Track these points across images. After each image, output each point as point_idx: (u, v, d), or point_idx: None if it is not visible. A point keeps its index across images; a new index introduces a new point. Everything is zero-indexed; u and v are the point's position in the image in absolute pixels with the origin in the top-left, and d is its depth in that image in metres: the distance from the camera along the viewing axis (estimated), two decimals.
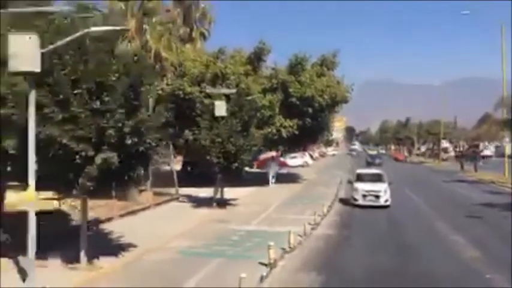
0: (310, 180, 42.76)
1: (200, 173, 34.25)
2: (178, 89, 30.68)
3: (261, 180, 36.25)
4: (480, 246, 15.72)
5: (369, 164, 60.44)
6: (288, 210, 23.54)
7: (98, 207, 19.25)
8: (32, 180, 10.45)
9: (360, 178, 26.35)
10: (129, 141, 11.54)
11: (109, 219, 19.13)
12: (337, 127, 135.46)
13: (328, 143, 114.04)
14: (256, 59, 36.28)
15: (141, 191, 24.78)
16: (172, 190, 27.85)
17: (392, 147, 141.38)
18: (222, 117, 23.06)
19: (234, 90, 24.93)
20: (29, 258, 10.58)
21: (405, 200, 28.67)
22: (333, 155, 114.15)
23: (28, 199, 10.36)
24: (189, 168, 37.38)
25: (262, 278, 11.47)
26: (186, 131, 29.34)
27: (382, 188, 24.98)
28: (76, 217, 16.82)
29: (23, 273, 11.32)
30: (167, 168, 30.51)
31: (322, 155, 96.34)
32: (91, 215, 18.01)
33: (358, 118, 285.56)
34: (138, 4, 25.06)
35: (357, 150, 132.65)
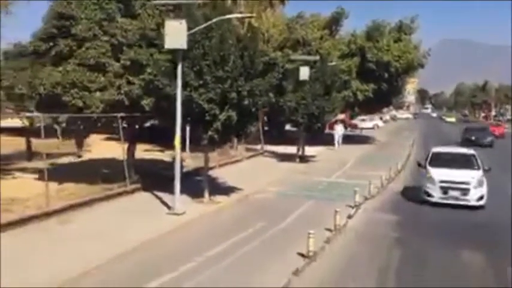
0: (381, 141, 44.61)
1: (279, 133, 37.67)
2: (264, 54, 33.34)
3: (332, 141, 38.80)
4: None
5: (469, 143, 34.69)
6: (363, 167, 26.00)
7: (199, 158, 22.83)
8: (178, 131, 13.85)
9: (437, 160, 17.30)
10: (246, 102, 14.56)
11: (211, 168, 22.65)
12: (409, 89, 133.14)
13: (399, 106, 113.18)
14: (333, 23, 38.14)
15: (230, 146, 28.22)
16: (257, 147, 31.14)
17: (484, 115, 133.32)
18: (306, 81, 25.68)
19: (317, 58, 27.37)
20: (175, 193, 14.13)
21: None
22: (407, 118, 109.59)
23: (176, 145, 13.82)
24: (266, 128, 40.58)
25: (350, 216, 14.37)
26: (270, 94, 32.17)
27: (473, 176, 16.15)
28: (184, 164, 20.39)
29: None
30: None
31: (393, 118, 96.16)
32: (198, 163, 21.74)
33: (432, 80, 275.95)
34: None
35: (430, 115, 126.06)
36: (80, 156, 25.67)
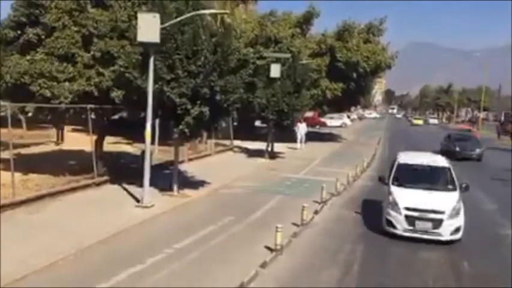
0: (349, 140, 45.42)
1: (249, 129, 37.89)
2: (237, 50, 33.43)
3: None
4: None
5: (452, 155, 27.52)
6: (330, 164, 26.50)
7: (168, 152, 22.81)
8: (149, 125, 13.85)
9: (403, 176, 13.46)
10: (218, 98, 14.67)
11: (180, 162, 22.64)
12: (376, 89, 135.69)
13: (367, 106, 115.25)
14: (305, 22, 38.54)
15: (200, 141, 28.24)
16: (227, 142, 31.25)
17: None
18: (277, 79, 25.93)
19: (288, 55, 27.64)
20: (144, 185, 14.12)
21: None
22: (374, 118, 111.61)
23: (146, 138, 13.81)
24: (235, 124, 40.75)
25: (316, 211, 14.70)
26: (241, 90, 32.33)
27: (448, 201, 12.58)
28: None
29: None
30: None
31: (360, 118, 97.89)
32: (166, 157, 21.72)
33: (398, 81, 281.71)
34: None
35: (396, 117, 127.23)
36: (58, 145, 26.50)
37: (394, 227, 12.43)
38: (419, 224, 12.22)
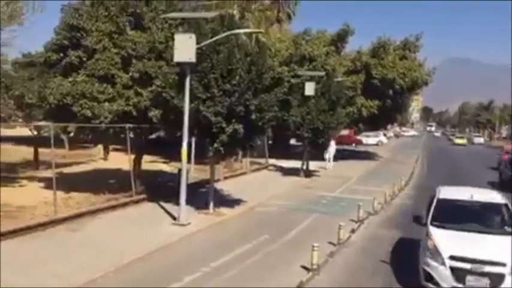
0: (385, 158, 44.66)
1: (284, 147, 37.87)
2: (271, 69, 33.70)
3: (336, 156, 38.90)
4: None
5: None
6: (367, 183, 26.08)
7: (204, 171, 23.01)
8: (185, 144, 14.04)
9: (446, 214, 10.39)
10: (253, 116, 14.76)
11: (216, 180, 22.79)
12: (413, 107, 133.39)
13: (404, 123, 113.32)
14: (339, 40, 38.46)
15: (235, 159, 28.38)
16: (262, 160, 31.27)
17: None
18: (311, 97, 25.89)
19: (323, 73, 27.60)
20: (181, 204, 14.26)
21: None
22: (412, 135, 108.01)
23: (183, 157, 14.00)
24: (270, 142, 40.79)
25: (353, 230, 14.45)
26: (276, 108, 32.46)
27: (508, 249, 9.28)
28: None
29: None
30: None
31: (397, 135, 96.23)
32: (202, 176, 21.93)
33: (436, 98, 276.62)
34: None
35: (434, 135, 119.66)
36: (105, 160, 28.36)
37: (435, 283, 9.25)
38: (471, 281, 8.91)
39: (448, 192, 11.16)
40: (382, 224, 16.04)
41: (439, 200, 10.64)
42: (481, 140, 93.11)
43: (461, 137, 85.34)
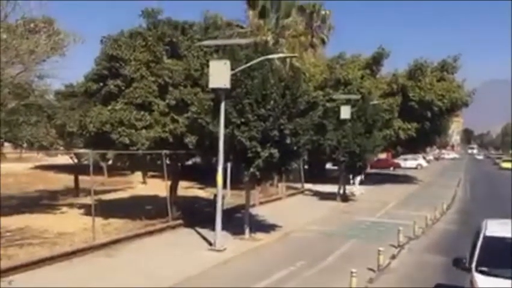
0: (425, 182, 43.48)
1: (320, 171, 37.54)
2: (306, 93, 33.74)
3: (374, 180, 38.21)
4: None
5: None
6: (406, 207, 25.39)
7: (239, 196, 22.97)
8: (220, 169, 14.08)
9: (494, 258, 7.99)
10: (288, 141, 14.70)
11: (252, 205, 22.72)
12: (454, 129, 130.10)
13: (444, 146, 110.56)
14: (374, 63, 38.21)
15: (271, 184, 28.26)
16: (298, 185, 31.03)
17: None
18: (347, 120, 25.67)
19: (358, 97, 27.40)
20: (216, 229, 14.24)
21: None
22: (453, 158, 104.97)
23: (218, 181, 14.03)
24: (306, 166, 40.49)
25: (393, 256, 14.01)
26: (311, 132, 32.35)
27: None
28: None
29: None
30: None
31: (437, 158, 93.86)
32: (238, 201, 21.88)
33: (477, 120, 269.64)
34: (274, 20, 28.54)
35: (476, 157, 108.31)
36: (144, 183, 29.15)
37: None
38: None
39: (497, 228, 8.72)
40: (423, 249, 15.49)
41: (486, 238, 8.28)
42: None
43: (510, 160, 72.87)
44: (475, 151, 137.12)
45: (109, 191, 25.74)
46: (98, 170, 28.35)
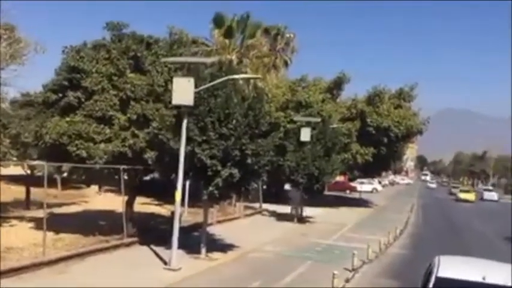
0: (380, 206, 44.43)
1: (278, 192, 37.69)
2: (267, 113, 34.05)
3: (331, 202, 38.74)
4: None
5: None
6: (361, 230, 25.79)
7: (197, 214, 22.78)
8: (179, 186, 13.96)
9: None
10: (249, 161, 14.77)
11: (209, 224, 22.53)
12: (408, 155, 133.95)
13: (398, 171, 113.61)
14: (335, 87, 39.12)
15: (229, 204, 28.17)
16: (256, 205, 31.04)
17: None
18: (307, 142, 26.02)
19: (318, 120, 27.84)
20: (172, 248, 14.03)
21: None
22: (407, 183, 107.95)
23: (177, 200, 13.87)
24: (264, 187, 40.58)
25: (347, 280, 14.18)
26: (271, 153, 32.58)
27: None
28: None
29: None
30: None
31: (392, 183, 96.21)
32: (195, 219, 21.69)
33: (430, 147, 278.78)
34: (239, 40, 28.84)
35: (429, 186, 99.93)
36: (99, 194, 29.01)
37: None
38: None
39: (451, 267, 7.71)
40: (376, 273, 15.75)
41: (438, 280, 7.25)
42: (495, 195, 67.65)
43: (468, 191, 65.32)
44: (428, 178, 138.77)
45: (62, 205, 24.96)
46: (52, 183, 27.53)
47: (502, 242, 25.10)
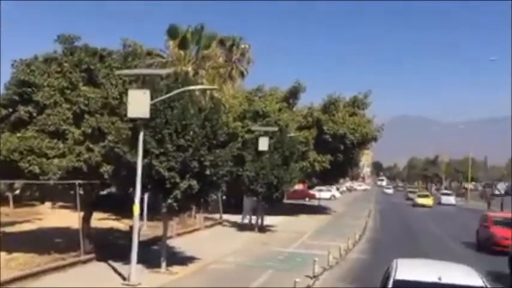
0: (339, 212, 45.15)
1: (238, 202, 37.67)
2: (224, 124, 34.07)
3: (290, 211, 39.08)
4: None
5: None
6: (321, 237, 26.14)
7: (157, 227, 22.47)
8: (137, 200, 13.75)
9: None
10: (208, 172, 14.73)
11: (169, 237, 22.23)
12: (364, 161, 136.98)
13: (355, 177, 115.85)
14: (291, 96, 39.67)
15: (189, 215, 27.92)
16: (216, 216, 30.89)
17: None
18: (265, 152, 26.20)
19: (276, 129, 28.12)
20: (131, 263, 13.78)
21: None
22: (365, 189, 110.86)
23: (134, 214, 13.65)
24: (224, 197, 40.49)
25: (309, 286, 14.32)
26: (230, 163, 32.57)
27: None
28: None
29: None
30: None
31: (350, 189, 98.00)
32: (155, 232, 21.38)
33: (386, 153, 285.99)
34: (194, 51, 28.83)
35: (386, 192, 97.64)
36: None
37: None
38: None
39: (407, 270, 8.03)
40: (337, 279, 15.99)
41: (396, 283, 7.58)
42: (452, 200, 66.32)
43: (426, 195, 64.13)
44: (384, 183, 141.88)
45: (15, 223, 24.01)
46: (3, 201, 26.52)
47: (456, 245, 25.99)
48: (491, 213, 28.96)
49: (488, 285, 7.55)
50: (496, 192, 77.65)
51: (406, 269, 8.06)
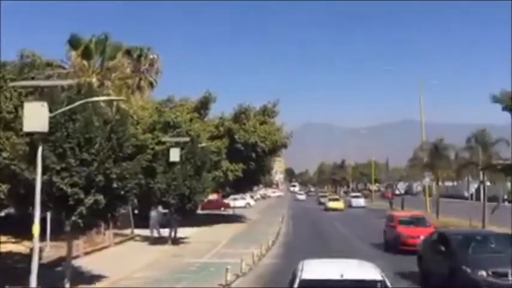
0: (253, 220, 45.69)
1: (147, 216, 36.72)
2: (134, 136, 33.15)
3: (205, 221, 38.92)
4: None
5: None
6: (235, 246, 26.31)
7: (61, 248, 21.26)
8: (37, 219, 12.90)
9: None
10: (115, 185, 14.21)
11: (75, 257, 21.14)
12: (277, 168, 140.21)
13: (269, 185, 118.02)
14: (202, 107, 39.63)
15: (97, 232, 26.75)
16: (126, 231, 29.89)
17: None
18: (177, 163, 25.87)
19: (187, 139, 27.88)
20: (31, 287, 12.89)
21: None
22: (278, 196, 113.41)
23: (34, 234, 12.80)
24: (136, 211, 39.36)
25: None
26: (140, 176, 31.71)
27: None
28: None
29: None
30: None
31: (264, 197, 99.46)
32: (60, 253, 20.21)
33: (297, 160, 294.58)
34: (99, 62, 27.83)
35: (298, 198, 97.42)
36: None
37: None
38: None
39: (314, 269, 8.49)
40: (250, 284, 16.13)
41: (302, 282, 7.95)
42: (362, 202, 68.76)
43: (337, 199, 65.91)
44: (296, 189, 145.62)
45: None
46: None
47: (361, 243, 27.35)
48: (397, 213, 30.08)
49: (386, 279, 8.01)
50: (397, 192, 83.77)
51: (311, 268, 8.47)
